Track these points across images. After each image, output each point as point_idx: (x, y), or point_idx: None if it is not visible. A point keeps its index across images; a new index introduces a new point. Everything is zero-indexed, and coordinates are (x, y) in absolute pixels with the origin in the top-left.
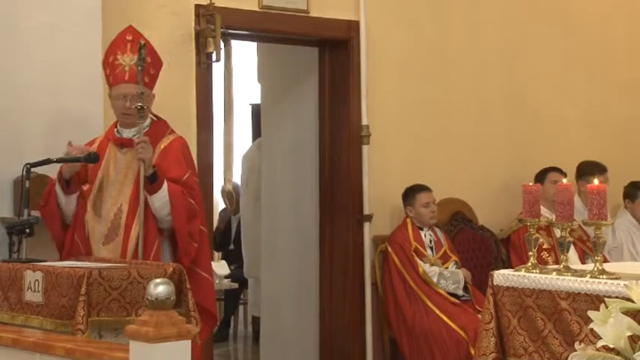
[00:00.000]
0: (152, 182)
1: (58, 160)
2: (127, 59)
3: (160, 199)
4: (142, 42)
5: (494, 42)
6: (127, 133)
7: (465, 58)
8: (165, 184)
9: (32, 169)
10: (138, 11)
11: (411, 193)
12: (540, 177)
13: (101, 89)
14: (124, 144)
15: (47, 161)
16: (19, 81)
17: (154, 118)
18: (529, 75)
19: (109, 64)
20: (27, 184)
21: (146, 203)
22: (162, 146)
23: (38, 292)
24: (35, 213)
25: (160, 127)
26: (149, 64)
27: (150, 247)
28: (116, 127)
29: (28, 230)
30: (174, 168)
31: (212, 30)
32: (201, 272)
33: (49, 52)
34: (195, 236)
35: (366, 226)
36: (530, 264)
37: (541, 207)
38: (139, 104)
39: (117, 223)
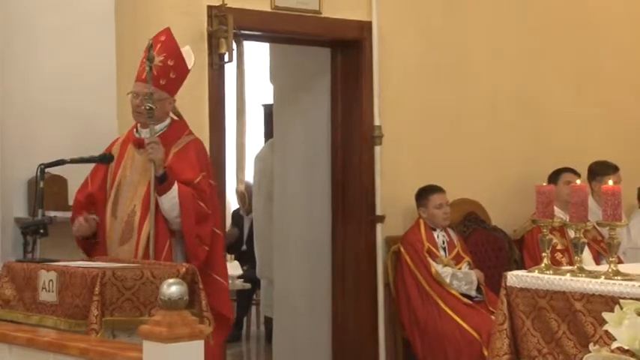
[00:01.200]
0: (161, 183)
1: (72, 161)
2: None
3: (170, 201)
4: (150, 42)
5: (507, 42)
6: (144, 134)
7: (478, 58)
8: (175, 186)
9: (46, 170)
10: (150, 12)
11: (424, 194)
12: (554, 178)
13: (114, 90)
14: (141, 144)
15: (61, 162)
16: (33, 82)
17: (175, 119)
18: (543, 75)
19: (140, 62)
20: (41, 184)
21: (158, 204)
22: (177, 148)
23: (52, 292)
24: (49, 213)
25: (178, 128)
26: (169, 68)
27: (161, 248)
28: (136, 127)
29: (42, 230)
30: (187, 170)
31: (224, 31)
32: (216, 276)
33: (62, 53)
34: (205, 239)
35: (379, 226)
36: (543, 265)
37: (555, 208)
38: (148, 105)
39: (131, 223)
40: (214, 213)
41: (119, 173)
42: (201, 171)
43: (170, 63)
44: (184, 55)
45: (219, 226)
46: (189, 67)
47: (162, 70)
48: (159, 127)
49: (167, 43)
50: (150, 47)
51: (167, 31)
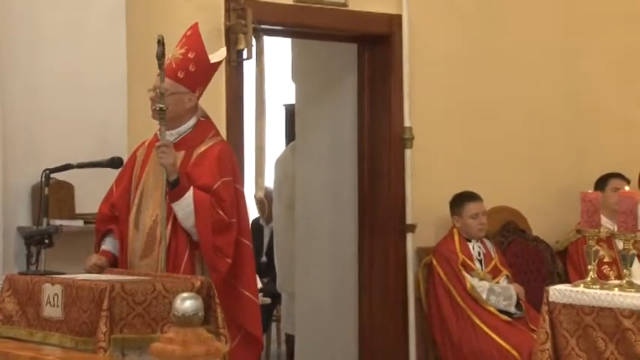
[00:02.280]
0: (172, 189)
1: (79, 166)
2: (174, 52)
3: (183, 209)
4: (159, 37)
5: (547, 36)
6: (167, 136)
7: (518, 54)
8: (189, 192)
9: (52, 175)
10: (164, 6)
11: (459, 202)
12: (601, 184)
13: (125, 90)
14: None
15: (67, 167)
16: (38, 82)
17: (202, 118)
18: (589, 73)
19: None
20: (46, 190)
21: None
22: (199, 151)
23: (57, 306)
24: (54, 222)
25: (202, 129)
26: (189, 60)
27: (179, 261)
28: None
29: (47, 240)
30: (204, 176)
31: (243, 25)
32: (244, 291)
33: (69, 52)
34: (225, 250)
35: (409, 236)
36: (589, 279)
37: (601, 217)
38: (159, 106)
39: (152, 235)
40: (240, 222)
41: (143, 178)
42: (222, 176)
43: (190, 55)
44: (216, 54)
45: (246, 236)
46: (212, 61)
47: (182, 63)
48: (183, 127)
49: (192, 37)
50: (159, 43)
51: (194, 26)
